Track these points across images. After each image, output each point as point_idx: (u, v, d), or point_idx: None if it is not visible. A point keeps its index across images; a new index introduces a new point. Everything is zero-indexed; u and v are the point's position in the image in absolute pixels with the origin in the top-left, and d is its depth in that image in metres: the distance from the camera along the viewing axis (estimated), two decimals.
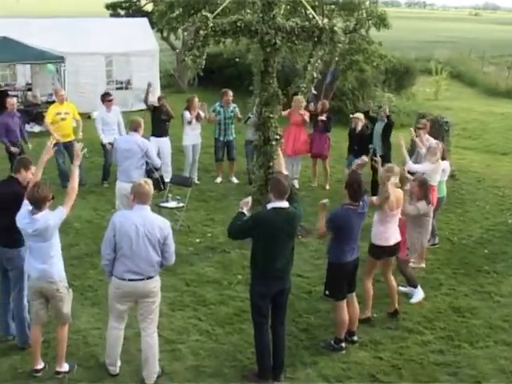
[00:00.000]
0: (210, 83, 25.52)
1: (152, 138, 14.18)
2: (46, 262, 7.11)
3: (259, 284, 7.20)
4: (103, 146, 14.73)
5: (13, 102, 14.10)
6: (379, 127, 13.84)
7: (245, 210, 7.29)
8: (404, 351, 8.17)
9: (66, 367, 7.48)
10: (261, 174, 11.26)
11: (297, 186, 15.00)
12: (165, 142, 14.71)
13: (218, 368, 7.66)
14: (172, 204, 12.23)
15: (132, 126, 11.01)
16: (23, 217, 7.08)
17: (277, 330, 7.46)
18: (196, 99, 14.81)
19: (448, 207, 13.19)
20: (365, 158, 9.60)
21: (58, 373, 7.44)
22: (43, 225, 6.96)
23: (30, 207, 7.05)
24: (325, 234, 8.05)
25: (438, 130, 15.28)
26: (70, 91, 19.60)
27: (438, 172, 10.86)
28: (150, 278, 7.08)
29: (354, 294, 8.25)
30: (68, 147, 14.27)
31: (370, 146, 13.93)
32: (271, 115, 11.01)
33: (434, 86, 29.67)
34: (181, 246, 11.25)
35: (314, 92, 11.80)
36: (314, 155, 15.07)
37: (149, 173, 10.89)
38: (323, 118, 14.68)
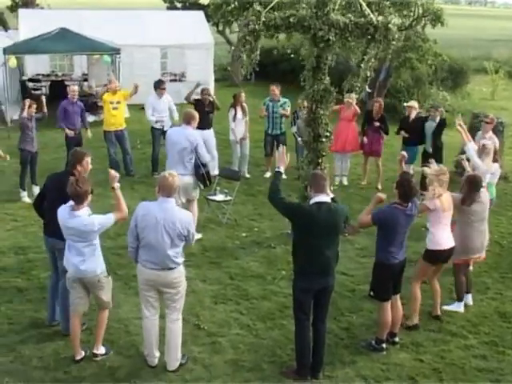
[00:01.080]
0: (263, 78, 25.53)
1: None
2: (85, 259, 7.24)
3: (301, 279, 7.19)
4: (152, 134, 14.94)
5: (74, 89, 14.50)
6: (430, 126, 13.64)
7: (281, 169, 7.50)
8: (446, 355, 8.05)
9: (102, 350, 7.65)
10: (310, 171, 11.18)
11: (345, 183, 14.94)
12: (209, 135, 14.68)
13: (257, 363, 7.67)
14: (220, 197, 12.27)
15: (185, 119, 10.96)
16: (63, 210, 7.21)
17: (318, 328, 7.44)
18: (243, 95, 14.90)
19: (499, 210, 12.95)
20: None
21: (96, 355, 7.61)
22: (87, 227, 7.09)
23: (72, 202, 7.15)
24: (363, 226, 8.08)
25: (492, 130, 14.98)
26: (124, 82, 19.81)
27: (487, 174, 10.64)
28: (170, 269, 7.16)
29: (399, 295, 8.17)
30: (119, 136, 14.62)
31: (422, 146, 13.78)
32: (322, 112, 10.93)
33: (490, 86, 29.12)
34: (227, 239, 11.34)
35: (369, 90, 11.67)
36: (367, 153, 14.97)
37: (196, 168, 10.88)
38: (377, 124, 14.53)
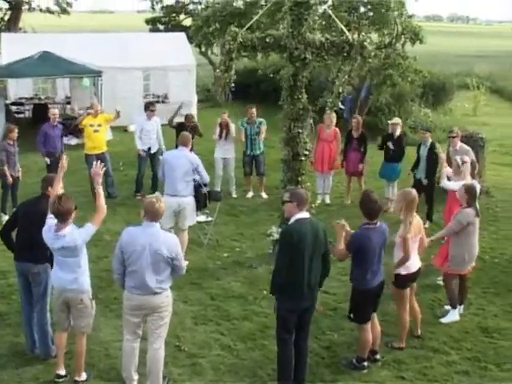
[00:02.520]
0: (246, 98, 25.62)
1: None
2: (73, 273, 7.21)
3: (287, 299, 7.14)
4: (139, 155, 14.95)
5: (54, 112, 14.54)
6: (424, 151, 13.35)
7: None
8: (428, 371, 8.01)
9: (83, 376, 7.57)
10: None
11: (328, 201, 14.93)
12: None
13: None
14: (201, 218, 12.26)
15: (182, 141, 11.12)
16: (48, 232, 7.15)
17: (300, 347, 7.42)
18: (225, 115, 14.93)
19: (481, 225, 12.79)
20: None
21: (77, 382, 7.52)
22: (70, 244, 7.06)
23: (55, 221, 7.10)
24: (343, 258, 7.88)
25: (473, 145, 15.04)
26: (106, 105, 19.81)
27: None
28: (156, 293, 7.08)
29: (375, 313, 8.13)
30: (101, 159, 14.49)
31: (414, 172, 13.62)
32: (300, 130, 10.96)
33: (472, 102, 29.31)
34: (208, 260, 11.30)
35: (342, 107, 11.73)
36: (350, 172, 14.99)
37: (197, 188, 10.98)
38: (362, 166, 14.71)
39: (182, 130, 14.40)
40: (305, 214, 7.15)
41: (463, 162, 10.57)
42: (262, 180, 15.42)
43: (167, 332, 7.56)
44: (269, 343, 8.26)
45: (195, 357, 8.16)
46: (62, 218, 7.05)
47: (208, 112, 23.55)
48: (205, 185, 11.09)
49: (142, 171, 15.10)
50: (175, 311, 9.08)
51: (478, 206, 9.45)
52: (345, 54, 10.46)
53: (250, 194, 15.19)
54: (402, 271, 8.27)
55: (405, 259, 8.13)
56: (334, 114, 13.63)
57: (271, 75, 22.28)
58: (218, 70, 10.45)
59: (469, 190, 9.24)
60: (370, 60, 10.62)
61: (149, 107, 15.01)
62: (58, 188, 7.76)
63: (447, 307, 9.47)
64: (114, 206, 14.02)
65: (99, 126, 14.75)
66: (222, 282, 10.40)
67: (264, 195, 15.13)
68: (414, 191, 8.44)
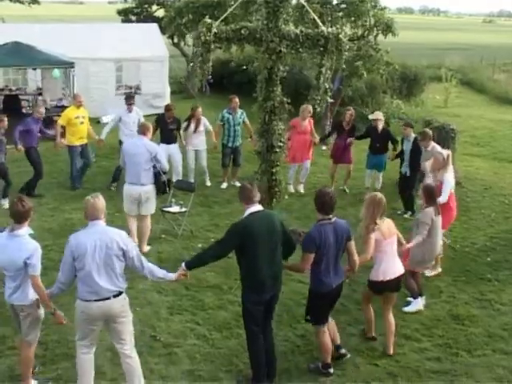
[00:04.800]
0: (220, 90, 25.62)
1: (162, 146, 14.37)
2: (15, 286, 6.99)
3: (253, 292, 7.21)
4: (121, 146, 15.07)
5: (41, 111, 14.48)
6: (407, 146, 13.37)
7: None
8: (400, 358, 8.16)
9: None
10: (264, 181, 11.27)
11: (302, 191, 15.03)
12: (174, 149, 14.97)
13: (214, 373, 7.70)
14: (175, 209, 12.28)
15: (140, 130, 11.29)
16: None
17: (267, 335, 7.51)
18: (200, 110, 14.98)
19: None
20: None
21: None
22: (22, 248, 6.82)
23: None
24: (306, 263, 7.46)
25: (444, 137, 15.27)
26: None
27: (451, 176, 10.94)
28: (115, 296, 6.89)
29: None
30: (84, 149, 14.86)
31: (401, 170, 13.66)
32: (275, 122, 11.02)
33: (444, 94, 29.59)
34: (183, 250, 11.34)
35: (331, 100, 11.79)
36: (337, 160, 15.16)
37: (156, 176, 11.10)
38: (351, 140, 14.89)
39: (162, 123, 14.70)
40: (257, 207, 7.23)
41: (448, 156, 10.85)
42: (237, 171, 15.56)
43: (142, 321, 7.62)
44: (244, 332, 8.24)
45: (171, 346, 8.22)
46: (21, 219, 6.89)
47: (181, 103, 23.48)
48: (164, 172, 11.24)
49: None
50: (150, 301, 9.26)
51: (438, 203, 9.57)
52: (321, 48, 10.49)
53: (225, 185, 15.26)
54: (380, 278, 8.15)
55: (367, 258, 8.00)
56: (310, 107, 13.68)
57: (245, 67, 22.26)
58: (191, 64, 10.43)
59: (427, 190, 9.38)
60: (347, 53, 10.69)
61: (128, 100, 15.02)
62: None
63: (409, 299, 9.53)
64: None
65: (83, 117, 14.89)
66: (197, 272, 10.29)
67: (238, 183, 15.18)
68: (379, 195, 8.24)
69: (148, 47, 23.82)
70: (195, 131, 14.97)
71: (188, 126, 14.99)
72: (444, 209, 10.13)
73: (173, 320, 8.91)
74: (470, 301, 9.87)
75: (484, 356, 8.34)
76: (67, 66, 20.13)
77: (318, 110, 11.10)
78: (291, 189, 14.99)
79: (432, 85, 30.79)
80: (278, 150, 11.23)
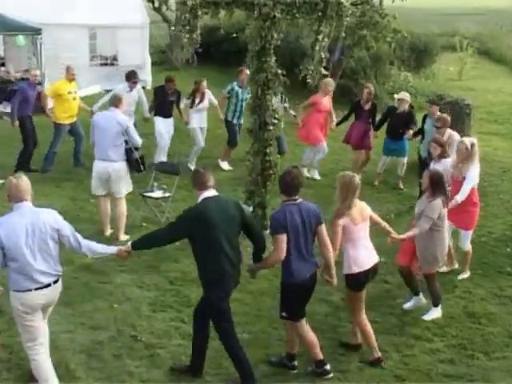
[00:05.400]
0: (206, 60, 25.52)
1: (159, 119, 14.85)
2: None
3: (218, 287, 7.30)
4: None
5: (36, 73, 14.75)
6: (430, 125, 13.08)
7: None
8: (409, 360, 8.18)
9: None
10: (257, 163, 11.27)
11: (317, 177, 15.16)
12: (170, 125, 15.36)
13: (200, 376, 7.70)
14: (157, 194, 12.30)
15: (112, 102, 11.43)
16: None
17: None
18: (204, 83, 15.18)
19: None
20: None
21: None
22: None
23: None
24: (282, 253, 7.41)
25: (458, 113, 15.28)
26: (48, 67, 19.71)
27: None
28: (55, 282, 7.00)
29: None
30: (74, 126, 15.12)
31: (421, 153, 13.48)
32: (269, 97, 11.01)
33: (458, 65, 29.48)
34: None
35: (325, 72, 11.77)
36: (356, 146, 15.11)
37: (128, 152, 11.20)
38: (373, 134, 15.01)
39: (162, 96, 14.96)
40: (211, 193, 7.36)
41: (472, 145, 10.24)
42: (231, 150, 15.85)
43: (121, 320, 7.65)
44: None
45: (153, 347, 8.23)
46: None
47: (163, 76, 23.41)
48: (136, 149, 11.32)
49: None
50: (129, 297, 9.27)
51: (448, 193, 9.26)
52: (320, 13, 10.46)
53: (226, 165, 15.61)
54: (354, 269, 7.99)
55: (334, 248, 7.85)
56: (332, 81, 13.65)
57: (235, 35, 22.21)
58: (181, 30, 10.36)
59: (434, 178, 9.00)
60: (348, 19, 10.66)
61: (131, 77, 15.02)
62: None
63: (425, 317, 9.24)
64: (57, 182, 14.03)
65: (75, 92, 15.03)
66: (182, 264, 10.44)
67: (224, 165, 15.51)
68: (352, 174, 8.16)
69: (126, 13, 23.56)
70: (200, 107, 15.12)
71: (193, 101, 15.15)
72: (468, 204, 10.06)
73: (155, 318, 8.92)
74: (487, 297, 9.90)
75: (503, 359, 8.33)
76: (33, 32, 20.02)
77: (310, 82, 11.08)
78: (306, 172, 15.00)
79: (445, 55, 30.58)
80: (271, 127, 11.23)
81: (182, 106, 15.36)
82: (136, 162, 11.27)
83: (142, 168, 11.49)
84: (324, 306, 9.25)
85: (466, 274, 10.51)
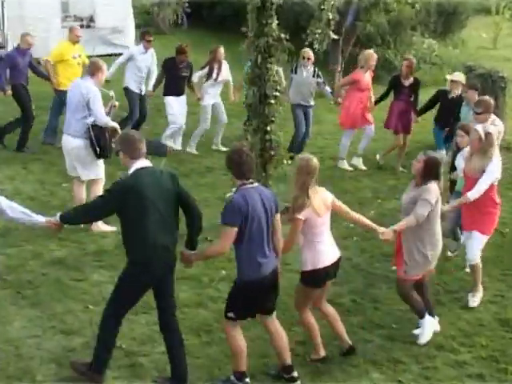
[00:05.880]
0: (198, 23, 25.43)
1: (171, 99, 14.90)
2: None
3: (139, 267, 7.35)
4: (130, 98, 15.53)
5: (30, 41, 14.63)
6: (466, 114, 12.85)
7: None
8: (431, 374, 8.16)
9: None
10: (255, 142, 11.28)
11: (362, 166, 15.29)
12: (184, 103, 15.41)
13: None
14: None
15: (88, 70, 11.49)
16: None
17: (170, 327, 7.69)
18: (222, 50, 15.17)
19: (499, 188, 13.09)
20: None
21: None
22: None
23: None
24: (227, 246, 7.45)
25: (491, 88, 15.27)
26: (11, 28, 19.67)
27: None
28: None
29: (275, 314, 7.93)
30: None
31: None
32: (270, 65, 11.00)
33: (492, 31, 29.31)
34: None
35: (334, 37, 11.76)
36: (392, 128, 15.12)
37: (89, 130, 11.10)
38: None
39: (173, 71, 14.93)
40: (145, 163, 7.42)
41: (487, 134, 9.75)
42: None
43: (98, 324, 7.65)
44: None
45: (135, 355, 8.23)
46: None
47: None
48: (100, 128, 11.27)
49: (136, 118, 15.61)
50: (105, 297, 9.16)
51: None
52: None
53: None
54: (316, 265, 7.94)
55: (289, 245, 7.92)
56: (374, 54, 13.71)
57: None
58: None
59: (430, 163, 8.61)
60: None
61: (145, 36, 15.15)
62: None
63: (416, 331, 8.90)
64: (24, 163, 14.05)
65: (79, 56, 15.07)
66: None
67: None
68: (310, 156, 8.05)
69: None
70: (216, 79, 15.16)
71: (210, 73, 15.10)
72: (486, 205, 9.71)
73: (137, 321, 8.89)
74: None
75: None
76: None
77: (317, 47, 11.08)
78: (345, 165, 15.02)
79: (477, 19, 30.40)
80: (273, 101, 11.25)
81: (195, 79, 15.29)
82: (91, 143, 11.10)
83: (106, 154, 11.34)
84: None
85: (477, 297, 9.78)
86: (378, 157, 15.35)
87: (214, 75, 15.09)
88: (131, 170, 7.35)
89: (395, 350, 8.52)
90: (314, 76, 14.79)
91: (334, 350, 8.43)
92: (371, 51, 14.54)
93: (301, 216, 7.74)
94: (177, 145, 15.31)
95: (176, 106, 15.09)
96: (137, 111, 15.49)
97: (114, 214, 7.47)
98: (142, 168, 7.34)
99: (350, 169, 15.08)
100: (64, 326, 8.61)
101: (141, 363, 8.11)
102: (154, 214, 7.23)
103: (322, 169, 7.99)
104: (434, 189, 8.50)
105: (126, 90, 15.35)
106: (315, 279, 8.02)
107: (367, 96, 15.02)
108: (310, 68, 14.66)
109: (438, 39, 24.79)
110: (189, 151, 15.31)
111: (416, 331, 8.82)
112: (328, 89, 15.58)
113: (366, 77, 14.87)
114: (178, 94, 15.14)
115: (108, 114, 11.33)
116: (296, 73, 14.95)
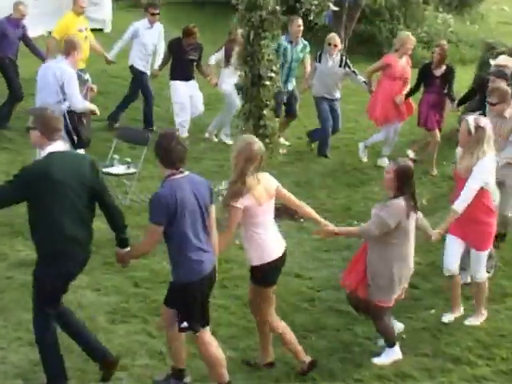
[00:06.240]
0: None
1: (178, 84, 14.91)
2: None
3: (50, 262, 7.34)
4: (138, 79, 15.64)
5: (24, 11, 14.67)
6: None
7: None
8: None
9: None
10: (248, 128, 11.27)
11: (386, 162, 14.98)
12: (194, 88, 15.39)
13: None
14: (119, 169, 12.28)
15: (64, 48, 11.55)
16: None
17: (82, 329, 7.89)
18: (240, 31, 14.97)
19: None
20: None
21: None
22: None
23: None
24: (151, 245, 7.63)
25: None
26: None
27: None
28: None
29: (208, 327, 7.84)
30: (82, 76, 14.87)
31: None
32: (263, 42, 10.99)
33: None
34: (132, 229, 11.20)
35: (335, 8, 11.75)
36: (424, 124, 14.88)
37: (64, 117, 10.91)
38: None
39: (179, 53, 14.91)
40: (59, 146, 7.41)
41: (477, 127, 9.14)
42: (289, 124, 15.81)
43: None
44: None
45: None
46: None
47: (127, 15, 23.37)
48: (76, 114, 11.40)
49: (150, 101, 15.73)
50: (81, 303, 9.23)
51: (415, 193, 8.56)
52: None
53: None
54: (263, 259, 7.91)
55: (228, 236, 7.95)
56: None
57: None
58: None
59: (401, 172, 8.33)
60: None
61: (149, 9, 15.18)
62: None
63: (381, 342, 8.83)
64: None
65: (86, 29, 15.14)
66: (150, 261, 10.35)
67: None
68: (254, 139, 8.01)
69: None
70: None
71: (229, 58, 15.03)
72: (479, 213, 9.18)
73: (115, 331, 8.89)
74: None
75: None
76: None
77: (314, 20, 11.06)
78: (385, 162, 14.43)
79: None
80: (267, 82, 11.25)
81: (211, 61, 15.28)
82: (66, 129, 11.04)
83: (75, 139, 11.40)
84: (334, 318, 9.24)
85: (478, 318, 9.53)
86: (409, 152, 14.97)
87: (234, 60, 14.62)
88: (44, 153, 7.33)
89: (404, 363, 8.49)
90: (341, 66, 14.68)
91: (334, 364, 8.42)
92: (408, 33, 14.29)
93: (238, 204, 7.68)
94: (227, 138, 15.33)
95: (183, 93, 14.99)
96: (137, 93, 15.62)
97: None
98: (55, 152, 7.31)
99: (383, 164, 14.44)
100: (31, 337, 8.50)
101: (120, 378, 8.04)
102: (65, 201, 7.21)
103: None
104: (398, 207, 8.24)
105: (132, 68, 15.40)
106: (265, 275, 7.98)
107: (400, 86, 14.66)
108: (336, 57, 14.52)
109: (454, 13, 24.79)
110: (225, 141, 15.37)
111: (376, 360, 8.60)
112: (361, 78, 15.22)
113: (401, 63, 14.60)
114: (187, 78, 15.08)
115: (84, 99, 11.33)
116: (320, 61, 14.81)
